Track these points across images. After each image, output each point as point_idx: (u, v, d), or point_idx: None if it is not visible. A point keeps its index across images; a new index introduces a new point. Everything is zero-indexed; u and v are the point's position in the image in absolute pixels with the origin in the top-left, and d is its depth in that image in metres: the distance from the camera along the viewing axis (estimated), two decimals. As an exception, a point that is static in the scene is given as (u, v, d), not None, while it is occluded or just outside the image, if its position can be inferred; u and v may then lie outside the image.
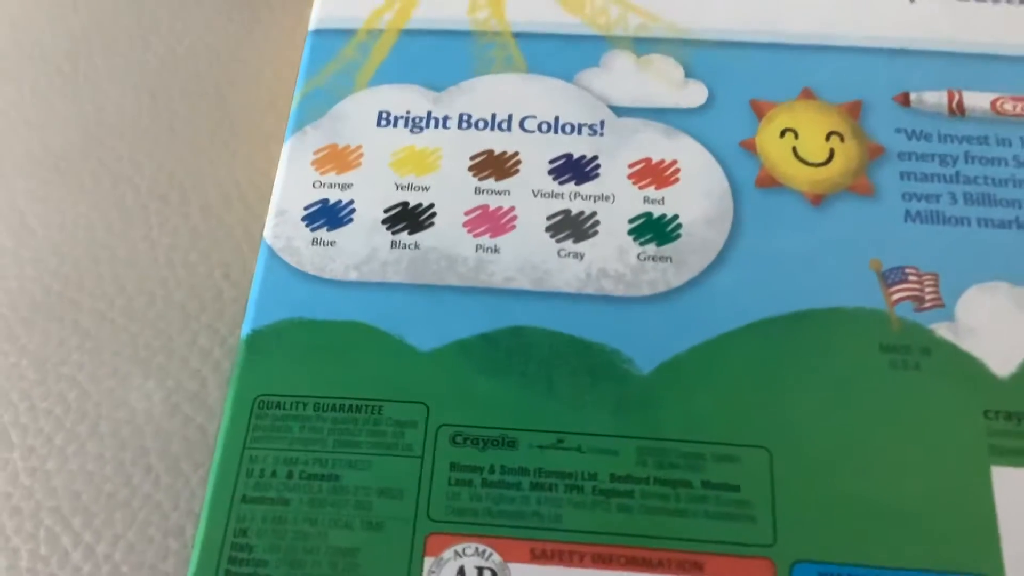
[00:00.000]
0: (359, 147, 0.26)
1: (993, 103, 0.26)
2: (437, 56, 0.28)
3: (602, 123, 0.26)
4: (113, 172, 0.31)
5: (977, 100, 0.26)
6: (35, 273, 0.29)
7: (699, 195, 0.25)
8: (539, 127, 0.26)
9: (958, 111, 0.26)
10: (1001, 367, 0.23)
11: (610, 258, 0.24)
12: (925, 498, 0.21)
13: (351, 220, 0.25)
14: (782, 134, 0.26)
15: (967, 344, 0.23)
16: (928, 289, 0.23)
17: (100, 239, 0.29)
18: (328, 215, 0.25)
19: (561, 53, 0.27)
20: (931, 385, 0.22)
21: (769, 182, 0.25)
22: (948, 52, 0.27)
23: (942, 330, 0.23)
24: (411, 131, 0.26)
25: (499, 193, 0.25)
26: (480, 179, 0.26)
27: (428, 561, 0.21)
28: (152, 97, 0.32)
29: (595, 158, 0.26)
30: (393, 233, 0.25)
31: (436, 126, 0.26)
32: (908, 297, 0.23)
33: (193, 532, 0.25)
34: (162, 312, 0.28)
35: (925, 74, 0.26)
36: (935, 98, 0.26)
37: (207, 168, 0.31)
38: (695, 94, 0.26)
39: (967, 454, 0.22)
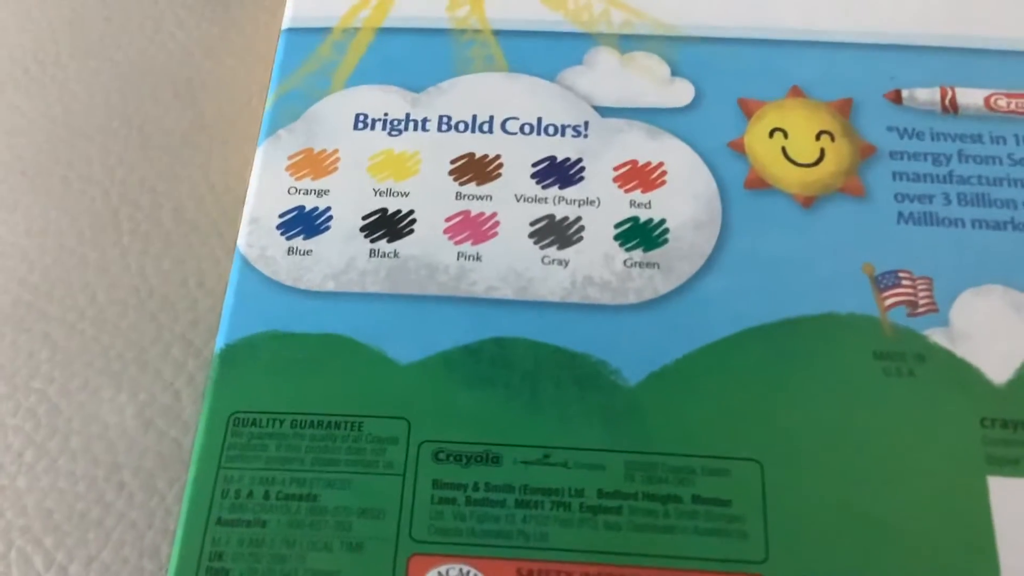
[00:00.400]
0: (335, 151, 0.25)
1: (987, 100, 0.25)
2: (416, 55, 0.27)
3: (586, 124, 0.25)
4: (82, 176, 0.30)
5: (970, 97, 0.25)
6: (3, 282, 0.28)
7: (687, 198, 0.24)
8: (521, 128, 0.25)
9: (951, 108, 0.25)
10: (997, 374, 0.22)
11: (596, 265, 0.24)
12: (921, 509, 0.21)
13: (328, 228, 0.24)
14: (771, 134, 0.25)
15: (962, 350, 0.22)
16: (922, 293, 0.23)
17: (69, 246, 0.28)
18: (304, 223, 0.24)
19: (543, 51, 0.27)
20: (926, 393, 0.22)
21: (758, 184, 0.24)
22: (940, 47, 0.26)
23: (936, 336, 0.22)
24: (389, 134, 0.26)
25: (481, 198, 0.24)
26: (461, 184, 0.25)
27: (411, 583, 0.20)
28: (122, 98, 0.31)
29: (579, 160, 0.25)
30: (371, 241, 0.24)
31: (415, 128, 0.26)
32: (901, 302, 0.23)
33: (169, 552, 0.24)
34: (134, 323, 0.27)
35: (917, 70, 0.26)
36: (927, 95, 0.25)
37: (180, 172, 0.30)
38: (681, 93, 0.26)
39: (963, 464, 0.21)
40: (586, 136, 0.25)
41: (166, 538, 0.24)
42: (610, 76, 0.26)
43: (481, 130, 0.25)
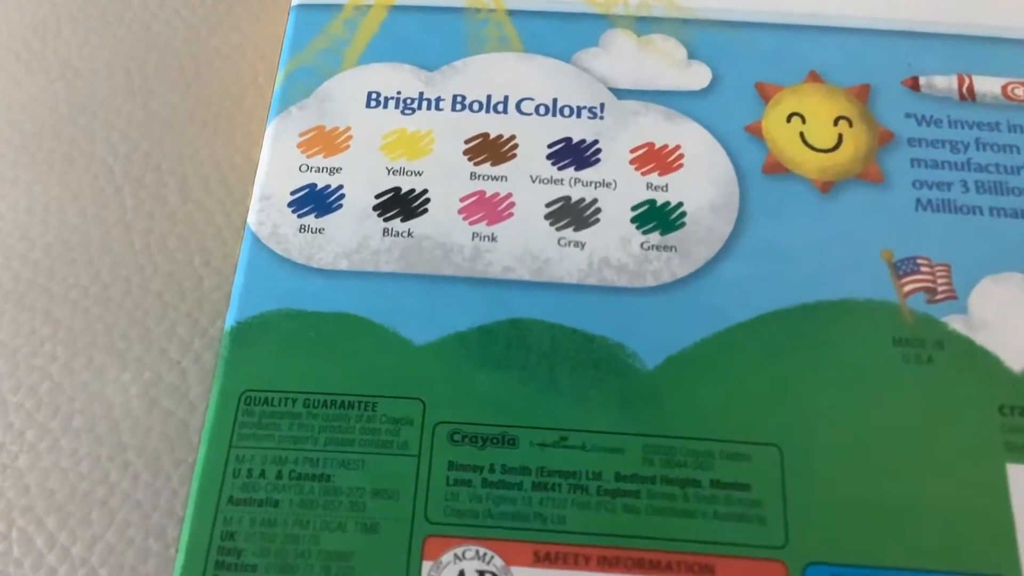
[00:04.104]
0: (347, 129, 0.25)
1: (1004, 88, 0.25)
2: (429, 34, 0.26)
3: (602, 106, 0.25)
4: (86, 153, 0.29)
5: (988, 85, 0.25)
6: (3, 259, 0.27)
7: (704, 182, 0.24)
8: (537, 109, 0.25)
9: (968, 96, 0.25)
10: (1016, 361, 0.22)
11: (612, 247, 0.23)
12: (939, 496, 0.21)
13: (340, 206, 0.24)
14: (789, 118, 0.25)
15: (981, 338, 0.22)
16: (941, 280, 0.23)
17: (72, 224, 0.28)
18: (316, 201, 0.24)
19: (558, 32, 0.26)
20: (945, 380, 0.22)
21: (776, 168, 0.24)
22: (958, 35, 0.26)
23: (955, 323, 0.22)
24: (402, 113, 0.25)
25: (496, 179, 0.24)
26: (475, 164, 0.24)
27: (426, 565, 0.20)
28: (126, 74, 0.31)
29: (595, 142, 0.25)
30: (385, 220, 0.24)
31: (428, 107, 0.25)
32: (920, 288, 0.23)
33: (175, 533, 0.24)
34: (139, 301, 0.27)
35: (934, 57, 0.26)
36: (945, 83, 0.25)
37: (185, 149, 0.29)
38: (698, 76, 0.25)
39: (982, 451, 0.21)
40: (602, 118, 0.25)
41: (172, 519, 0.24)
42: (626, 58, 0.26)
43: (496, 110, 0.25)
